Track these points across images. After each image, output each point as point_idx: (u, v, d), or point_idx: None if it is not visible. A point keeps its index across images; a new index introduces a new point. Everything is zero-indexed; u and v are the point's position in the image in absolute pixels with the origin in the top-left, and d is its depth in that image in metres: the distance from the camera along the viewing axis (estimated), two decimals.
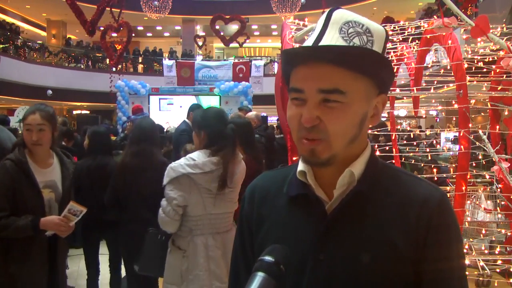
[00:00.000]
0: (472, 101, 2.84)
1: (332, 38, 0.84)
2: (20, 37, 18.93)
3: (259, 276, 0.74)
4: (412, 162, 4.65)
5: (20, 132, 3.87)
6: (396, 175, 0.92)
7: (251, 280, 0.74)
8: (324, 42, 0.84)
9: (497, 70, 2.98)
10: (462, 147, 2.57)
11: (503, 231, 3.29)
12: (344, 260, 0.85)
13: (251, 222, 0.99)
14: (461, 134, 2.56)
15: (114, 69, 16.57)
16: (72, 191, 2.61)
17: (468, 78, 2.67)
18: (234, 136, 2.51)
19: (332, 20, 0.86)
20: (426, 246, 0.83)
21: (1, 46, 16.75)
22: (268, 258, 0.77)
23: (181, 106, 10.85)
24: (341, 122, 0.83)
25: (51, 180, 2.45)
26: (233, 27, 21.36)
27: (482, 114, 3.57)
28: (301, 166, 0.92)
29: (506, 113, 2.90)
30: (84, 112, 22.90)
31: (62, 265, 2.62)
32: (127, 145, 3.26)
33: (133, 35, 26.18)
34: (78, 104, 21.19)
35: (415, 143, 4.30)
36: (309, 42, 0.86)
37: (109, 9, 13.00)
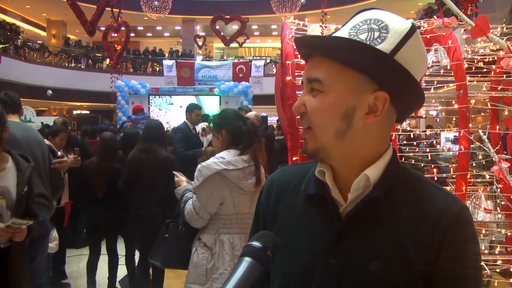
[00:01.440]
0: (472, 101, 2.84)
1: (338, 33, 0.86)
2: (20, 37, 18.92)
3: (246, 261, 0.74)
4: (412, 162, 4.64)
5: None
6: (416, 183, 0.89)
7: (238, 265, 0.74)
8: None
9: (497, 70, 2.98)
10: (462, 147, 2.57)
11: (503, 231, 3.29)
12: (354, 266, 0.83)
13: (266, 215, 0.99)
14: (461, 134, 2.56)
15: (113, 68, 16.56)
16: (31, 196, 2.41)
17: (468, 78, 2.67)
18: (256, 131, 2.54)
19: (353, 19, 0.87)
20: (439, 260, 0.81)
21: (1, 46, 16.74)
22: (255, 243, 0.77)
23: (181, 106, 10.86)
24: (318, 111, 0.85)
25: (2, 186, 2.27)
26: (233, 27, 21.36)
27: (482, 114, 3.57)
28: (320, 165, 0.91)
29: (506, 113, 2.90)
30: (84, 112, 22.89)
31: (22, 279, 2.36)
32: (138, 142, 3.93)
33: (133, 35, 26.18)
34: (78, 104, 21.18)
35: (415, 143, 4.30)
36: None
37: (110, 9, 13.00)
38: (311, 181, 0.93)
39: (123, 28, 14.09)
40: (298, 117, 0.91)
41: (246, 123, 2.49)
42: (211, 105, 11.58)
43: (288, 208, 0.95)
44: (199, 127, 5.63)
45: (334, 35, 0.87)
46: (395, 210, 0.85)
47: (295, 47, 0.93)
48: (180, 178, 2.66)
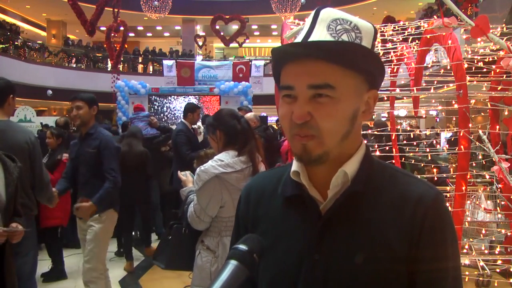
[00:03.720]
0: (472, 101, 2.84)
1: (320, 35, 0.85)
2: (20, 37, 18.92)
3: (232, 264, 0.74)
4: (412, 162, 4.64)
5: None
6: (391, 174, 0.91)
7: (223, 268, 0.74)
8: (312, 39, 0.85)
9: (497, 70, 2.98)
10: (462, 147, 2.57)
11: (503, 231, 3.29)
12: (339, 260, 0.85)
13: (247, 222, 0.99)
14: (461, 134, 2.56)
15: (114, 68, 16.59)
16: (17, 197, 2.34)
17: (468, 78, 2.67)
18: (251, 129, 2.47)
19: (319, 18, 0.86)
20: (420, 244, 0.83)
21: (1, 46, 16.75)
22: (241, 246, 0.77)
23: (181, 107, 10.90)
24: (332, 117, 0.83)
25: None
26: (233, 27, 21.37)
27: (482, 114, 3.57)
28: (294, 166, 0.91)
29: (506, 113, 2.90)
30: None
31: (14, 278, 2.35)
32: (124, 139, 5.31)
33: (133, 35, 26.09)
34: None
35: (415, 143, 4.30)
36: (298, 40, 0.87)
37: (111, 9, 13.03)
38: (287, 183, 0.94)
39: (122, 28, 14.11)
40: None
41: (241, 122, 2.43)
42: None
43: (268, 213, 0.96)
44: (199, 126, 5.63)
45: (316, 38, 0.85)
46: (374, 202, 0.86)
47: (285, 50, 0.87)
48: (188, 178, 2.61)
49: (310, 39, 0.85)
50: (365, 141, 0.97)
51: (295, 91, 0.84)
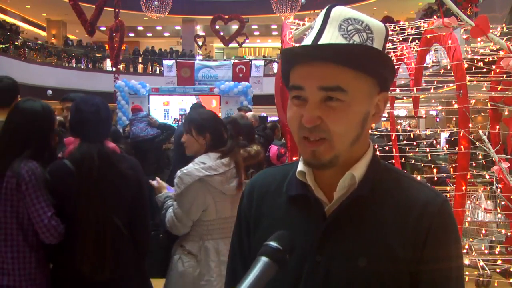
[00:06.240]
0: (472, 101, 2.84)
1: (331, 36, 0.83)
2: (20, 37, 18.91)
3: (263, 261, 0.74)
4: (412, 162, 4.64)
5: None
6: (398, 179, 0.90)
7: (255, 264, 0.74)
8: (323, 40, 0.83)
9: (497, 70, 2.98)
10: (462, 147, 2.57)
11: (503, 231, 3.29)
12: (341, 263, 0.84)
13: (250, 218, 0.99)
14: (461, 134, 2.56)
15: (114, 69, 16.58)
16: None
17: (468, 78, 2.67)
18: (238, 137, 2.51)
19: (331, 18, 0.84)
20: (424, 249, 0.83)
21: (1, 46, 16.74)
22: (273, 244, 0.77)
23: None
24: (343, 121, 0.82)
25: None
26: (233, 27, 21.37)
27: (482, 114, 3.57)
28: (300, 166, 0.90)
29: (506, 113, 2.90)
30: None
31: None
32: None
33: (133, 35, 26.04)
34: None
35: (415, 143, 4.30)
36: (308, 40, 0.85)
37: (112, 9, 13.03)
38: (293, 182, 0.93)
39: (121, 28, 14.11)
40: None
41: (225, 127, 2.45)
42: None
43: (271, 210, 0.95)
44: None
45: (327, 39, 0.83)
46: (379, 206, 0.86)
47: (296, 51, 0.85)
48: (160, 184, 2.56)
49: (322, 40, 0.83)
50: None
51: (305, 92, 0.83)
